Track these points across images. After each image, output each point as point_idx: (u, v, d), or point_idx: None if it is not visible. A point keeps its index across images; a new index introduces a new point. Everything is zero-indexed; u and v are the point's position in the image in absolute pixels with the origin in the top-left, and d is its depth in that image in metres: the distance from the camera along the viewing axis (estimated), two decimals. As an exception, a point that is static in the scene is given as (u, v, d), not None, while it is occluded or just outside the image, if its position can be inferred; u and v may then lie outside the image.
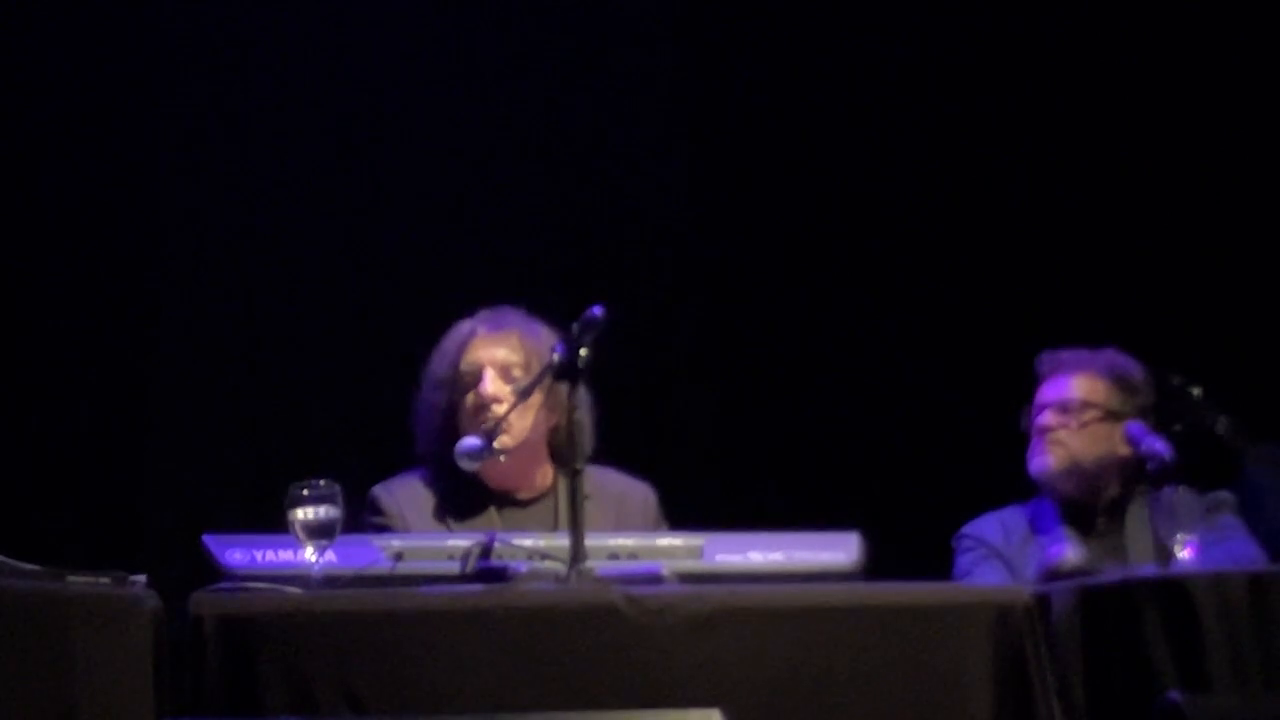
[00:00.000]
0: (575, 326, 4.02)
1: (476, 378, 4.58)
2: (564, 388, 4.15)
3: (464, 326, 4.66)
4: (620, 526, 4.26)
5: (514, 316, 4.68)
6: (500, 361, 4.59)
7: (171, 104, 6.13)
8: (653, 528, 4.52)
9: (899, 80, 6.47)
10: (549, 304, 4.66)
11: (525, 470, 4.60)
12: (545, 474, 4.63)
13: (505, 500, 4.59)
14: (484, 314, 4.69)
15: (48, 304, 5.93)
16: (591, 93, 6.35)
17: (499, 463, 4.43)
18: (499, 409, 4.50)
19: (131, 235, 6.05)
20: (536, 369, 4.51)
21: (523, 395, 4.35)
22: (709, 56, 6.47)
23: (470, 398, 4.57)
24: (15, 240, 5.93)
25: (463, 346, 4.62)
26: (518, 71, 6.30)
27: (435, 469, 4.57)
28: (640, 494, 4.61)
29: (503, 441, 4.39)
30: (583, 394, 4.17)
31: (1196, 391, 4.76)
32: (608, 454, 4.34)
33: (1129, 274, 6.36)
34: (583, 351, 4.00)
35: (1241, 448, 4.75)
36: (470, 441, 4.31)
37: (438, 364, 4.63)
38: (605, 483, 4.54)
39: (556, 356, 4.04)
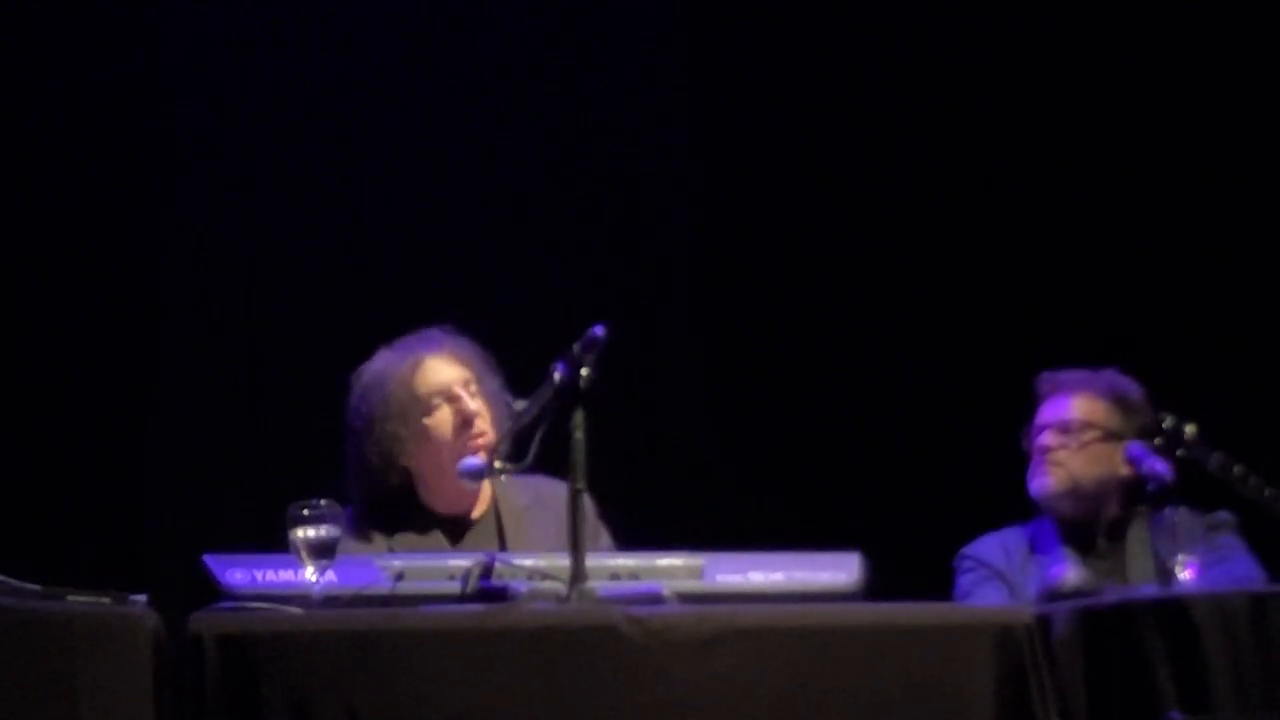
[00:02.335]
0: (576, 346, 4.02)
1: (446, 397, 4.60)
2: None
3: (394, 357, 4.65)
4: (563, 532, 4.22)
5: (441, 336, 4.70)
6: (461, 379, 4.63)
7: (175, 112, 6.14)
8: (593, 529, 4.51)
9: (908, 99, 6.47)
10: (553, 317, 4.66)
11: (480, 491, 4.62)
12: (488, 492, 4.65)
13: (451, 523, 4.60)
14: (409, 341, 4.69)
15: (49, 321, 5.92)
16: (596, 95, 6.35)
17: (466, 486, 4.43)
18: (482, 423, 4.55)
19: (133, 253, 6.05)
20: (485, 380, 4.60)
21: (523, 414, 4.34)
22: (715, 61, 6.46)
23: (443, 416, 4.59)
24: (16, 264, 5.92)
25: (415, 371, 4.62)
26: (523, 74, 6.30)
27: (380, 500, 4.56)
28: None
29: (504, 465, 4.39)
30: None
31: (1190, 429, 4.77)
32: (609, 474, 4.31)
33: (1132, 296, 6.37)
34: (584, 371, 4.00)
35: (1239, 483, 4.77)
36: (472, 461, 4.32)
37: (384, 396, 4.59)
38: (542, 490, 4.56)
39: (558, 376, 4.03)
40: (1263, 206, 6.43)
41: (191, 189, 6.11)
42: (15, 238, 5.94)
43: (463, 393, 4.61)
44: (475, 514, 4.65)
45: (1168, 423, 4.75)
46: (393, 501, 4.59)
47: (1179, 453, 4.69)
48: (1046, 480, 5.13)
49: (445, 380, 4.62)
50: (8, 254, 5.93)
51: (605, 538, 4.55)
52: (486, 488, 4.65)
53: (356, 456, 4.62)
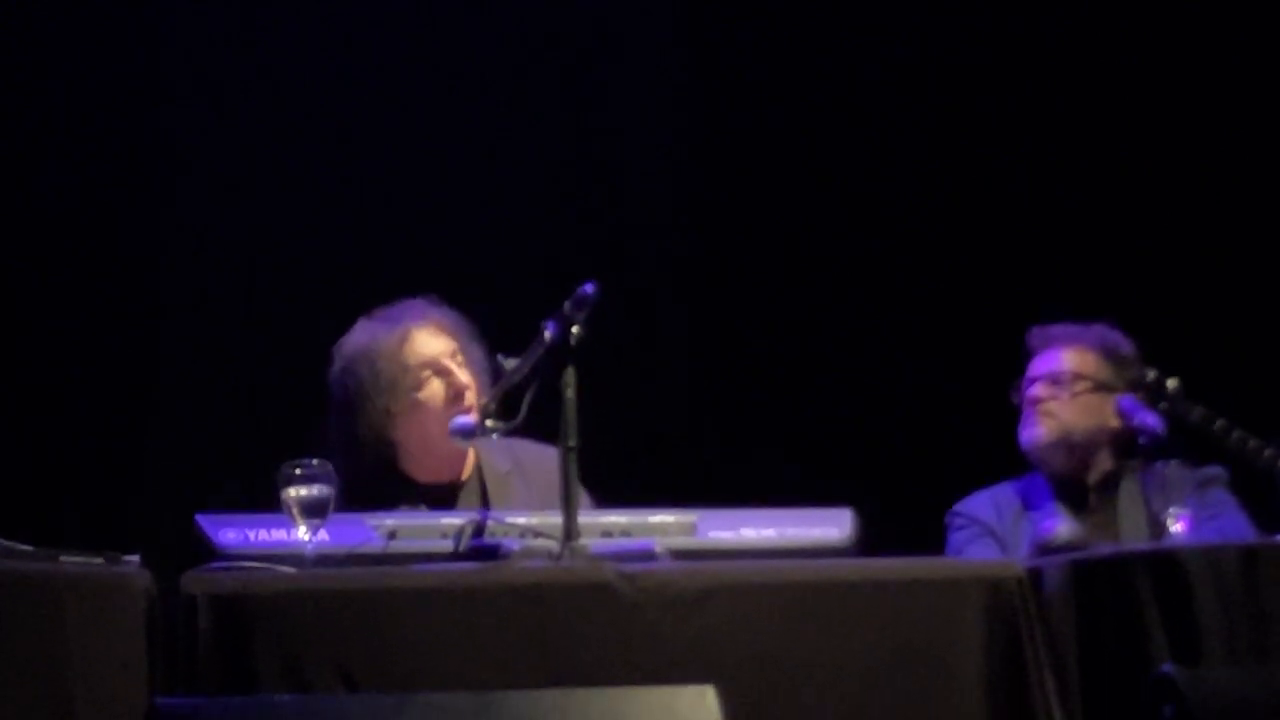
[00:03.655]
0: (567, 304, 4.01)
1: (436, 369, 4.59)
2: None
3: (379, 330, 4.63)
4: (545, 496, 4.22)
5: (424, 306, 4.68)
6: (449, 350, 4.61)
7: (173, 92, 6.12)
8: None
9: (893, 60, 6.47)
10: (545, 280, 4.64)
11: (464, 455, 4.61)
12: (471, 457, 4.65)
13: (435, 491, 4.60)
14: (391, 313, 4.67)
15: (43, 286, 5.92)
16: (588, 82, 6.35)
17: (456, 445, 4.42)
18: (472, 396, 4.54)
19: (132, 213, 6.04)
20: (468, 350, 4.59)
21: (514, 374, 4.33)
22: (704, 45, 6.46)
23: (434, 390, 4.58)
24: (13, 214, 5.91)
25: (402, 344, 4.60)
26: (515, 64, 6.30)
27: (365, 473, 4.53)
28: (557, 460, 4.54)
29: (495, 424, 4.38)
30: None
31: (1172, 383, 4.78)
32: (600, 432, 4.31)
33: (1122, 250, 6.38)
34: (575, 329, 3.99)
35: (1221, 436, 4.80)
36: (464, 421, 4.31)
37: (373, 371, 4.58)
38: (522, 455, 4.57)
39: (549, 335, 4.02)
40: (1247, 166, 6.44)
41: (189, 162, 6.10)
42: (14, 203, 5.94)
43: (451, 365, 4.60)
44: (459, 480, 4.65)
45: (1150, 376, 4.78)
46: (377, 473, 4.58)
47: (1161, 406, 4.72)
48: (1038, 431, 5.14)
49: (433, 352, 4.61)
50: (4, 226, 5.93)
51: (585, 501, 4.53)
52: (469, 453, 4.64)
53: (342, 430, 4.60)
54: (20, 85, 5.97)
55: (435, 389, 4.59)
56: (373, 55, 6.21)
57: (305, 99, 6.15)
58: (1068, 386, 5.14)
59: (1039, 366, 5.20)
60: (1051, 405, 5.14)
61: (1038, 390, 5.16)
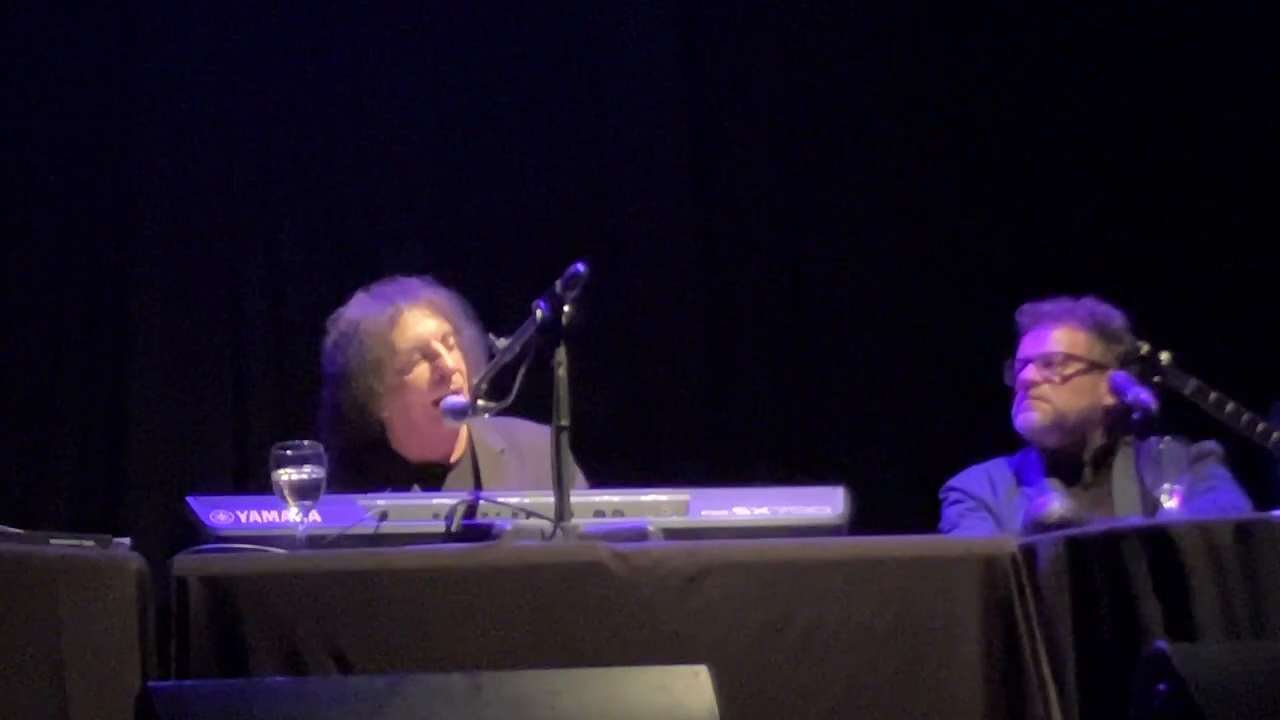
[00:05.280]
0: (558, 283, 4.00)
1: (424, 352, 4.57)
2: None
3: (371, 306, 4.61)
4: (538, 475, 4.22)
5: (418, 285, 4.65)
6: (440, 333, 4.59)
7: (161, 59, 6.09)
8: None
9: (887, 36, 6.47)
10: (544, 259, 4.64)
11: (456, 435, 4.60)
12: (464, 436, 4.64)
13: (427, 470, 4.59)
14: (386, 290, 4.64)
15: (24, 264, 5.90)
16: (586, 56, 6.34)
17: (447, 424, 4.41)
18: (459, 379, 4.53)
19: (111, 194, 6.02)
20: (463, 330, 4.57)
21: (505, 353, 4.33)
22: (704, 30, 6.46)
23: (420, 373, 4.56)
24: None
25: (392, 325, 4.57)
26: (515, 44, 6.29)
27: (356, 449, 4.53)
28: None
29: (487, 404, 4.37)
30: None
31: (1165, 356, 4.77)
32: (593, 411, 4.30)
33: (1114, 223, 6.39)
34: (566, 308, 3.98)
35: (1215, 408, 4.80)
36: (455, 400, 4.30)
37: (360, 350, 4.56)
38: (518, 434, 4.56)
39: (540, 314, 4.01)
40: (1239, 140, 6.44)
41: (170, 125, 6.07)
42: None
43: (440, 348, 4.57)
44: (451, 459, 4.64)
45: (1144, 350, 4.77)
46: (368, 450, 4.57)
47: (1155, 379, 4.71)
48: (1031, 415, 5.11)
49: (422, 334, 4.58)
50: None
51: (579, 480, 4.52)
52: (462, 432, 4.63)
53: (332, 406, 4.60)
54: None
55: (421, 372, 4.57)
56: (371, 29, 6.19)
57: (305, 72, 6.14)
58: (1059, 369, 5.11)
59: (1029, 347, 5.16)
60: (1044, 389, 5.10)
61: (1030, 374, 5.13)
